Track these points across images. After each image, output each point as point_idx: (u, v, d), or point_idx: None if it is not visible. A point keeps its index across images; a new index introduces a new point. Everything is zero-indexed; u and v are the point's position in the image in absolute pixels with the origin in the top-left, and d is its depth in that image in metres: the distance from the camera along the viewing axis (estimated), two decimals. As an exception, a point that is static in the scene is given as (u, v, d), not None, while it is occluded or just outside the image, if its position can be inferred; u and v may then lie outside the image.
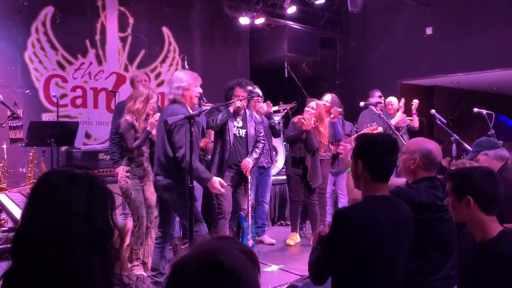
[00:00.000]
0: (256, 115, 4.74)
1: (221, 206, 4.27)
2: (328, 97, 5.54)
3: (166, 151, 3.34)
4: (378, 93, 6.19)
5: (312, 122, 4.89)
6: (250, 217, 4.50)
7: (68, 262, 1.04)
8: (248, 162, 4.30)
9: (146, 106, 3.82)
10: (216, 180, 3.46)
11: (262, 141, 4.53)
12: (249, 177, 4.36)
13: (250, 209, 4.50)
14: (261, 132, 4.55)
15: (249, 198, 4.44)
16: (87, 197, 1.12)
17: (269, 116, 5.00)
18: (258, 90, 4.96)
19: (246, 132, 4.41)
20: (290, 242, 5.22)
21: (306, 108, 5.05)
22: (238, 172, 4.34)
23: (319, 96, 5.68)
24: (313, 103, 5.06)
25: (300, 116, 5.06)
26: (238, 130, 4.40)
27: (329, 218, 5.96)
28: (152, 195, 3.91)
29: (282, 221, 6.19)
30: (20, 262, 1.08)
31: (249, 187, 4.42)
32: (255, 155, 4.41)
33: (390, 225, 1.82)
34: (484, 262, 1.74)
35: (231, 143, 4.32)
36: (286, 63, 8.09)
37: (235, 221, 4.50)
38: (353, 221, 1.78)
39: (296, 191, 5.20)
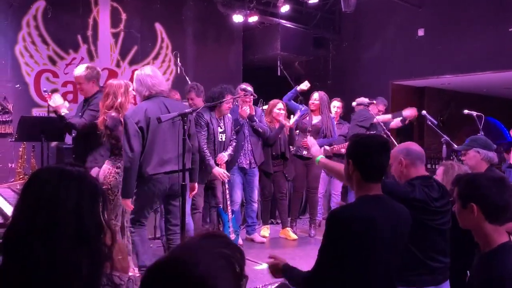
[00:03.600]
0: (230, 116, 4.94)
1: (195, 201, 4.46)
2: (316, 95, 5.61)
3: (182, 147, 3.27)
4: (383, 101, 6.22)
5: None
6: (229, 211, 4.70)
7: (52, 257, 1.04)
8: (223, 156, 4.60)
9: (128, 98, 3.68)
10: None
11: (235, 140, 4.83)
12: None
13: (228, 202, 4.71)
14: (234, 132, 4.85)
15: (226, 192, 4.69)
16: (77, 195, 1.11)
17: (251, 118, 5.04)
18: (250, 89, 5.03)
19: (225, 136, 4.68)
20: (264, 233, 5.48)
21: (275, 110, 5.34)
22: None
23: (310, 95, 5.74)
24: (280, 105, 5.39)
25: (281, 119, 5.31)
26: (221, 136, 4.64)
27: (320, 217, 6.01)
28: None
29: (272, 220, 6.20)
30: (9, 258, 1.08)
31: (226, 181, 4.67)
32: (229, 151, 4.71)
33: (385, 226, 1.82)
34: (483, 273, 1.69)
35: (216, 151, 4.61)
36: (279, 62, 8.09)
37: (211, 215, 4.85)
38: (348, 221, 1.78)
39: (270, 187, 5.48)
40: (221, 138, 4.64)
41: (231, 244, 0.98)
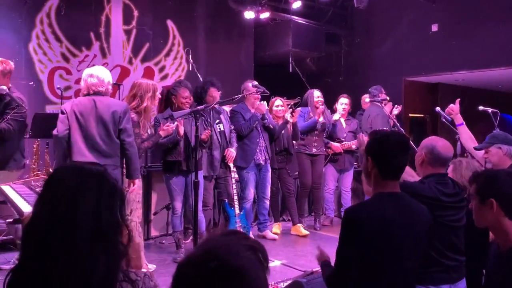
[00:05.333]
0: (226, 109, 5.08)
1: (205, 198, 4.52)
2: (319, 93, 5.70)
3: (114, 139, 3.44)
4: (383, 90, 6.11)
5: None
6: (235, 206, 4.74)
7: (70, 254, 1.06)
8: (232, 152, 4.72)
9: (154, 101, 3.73)
10: None
11: (234, 131, 4.93)
12: (231, 166, 4.77)
13: (235, 197, 4.76)
14: (232, 125, 4.95)
15: (233, 187, 4.75)
16: (97, 193, 1.14)
17: (263, 116, 5.06)
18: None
19: (224, 126, 4.75)
20: (276, 230, 5.54)
21: (274, 108, 5.38)
22: (221, 164, 4.72)
23: (322, 92, 5.73)
24: (278, 101, 5.44)
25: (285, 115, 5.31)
26: (219, 126, 4.73)
27: (331, 214, 6.01)
28: (140, 189, 3.91)
29: (284, 217, 6.20)
30: (28, 253, 1.11)
31: (232, 175, 4.78)
32: (235, 145, 4.82)
33: (402, 223, 1.81)
34: (506, 271, 1.67)
35: (220, 141, 4.69)
36: (290, 58, 8.06)
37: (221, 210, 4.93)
38: (363, 219, 1.77)
39: (276, 184, 5.52)
40: (220, 128, 4.73)
41: (251, 238, 1.00)
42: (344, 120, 6.00)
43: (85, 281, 1.06)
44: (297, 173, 5.72)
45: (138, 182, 3.91)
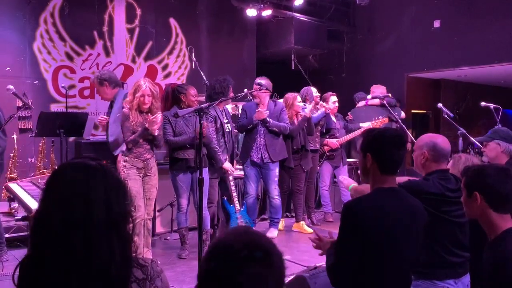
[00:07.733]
0: (228, 107, 5.17)
1: (210, 195, 4.56)
2: (315, 89, 5.87)
3: None
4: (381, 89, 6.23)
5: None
6: (235, 202, 4.73)
7: (90, 244, 1.11)
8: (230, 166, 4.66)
9: (133, 99, 3.87)
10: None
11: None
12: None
13: (234, 194, 4.74)
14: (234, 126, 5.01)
15: (231, 184, 4.72)
16: (105, 187, 1.18)
17: (264, 121, 4.96)
18: (264, 82, 5.01)
19: (230, 126, 4.76)
20: (279, 226, 5.49)
21: (297, 103, 5.32)
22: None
23: (324, 89, 5.75)
24: (299, 97, 5.44)
25: (309, 109, 5.31)
26: (227, 126, 4.71)
27: (329, 210, 6.04)
28: (152, 188, 3.99)
29: (287, 213, 6.22)
30: (39, 248, 1.14)
31: (232, 175, 4.73)
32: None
33: (399, 217, 1.84)
34: (491, 258, 1.71)
35: (226, 142, 4.67)
36: (293, 56, 8.08)
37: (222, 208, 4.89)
38: (362, 213, 1.80)
39: (288, 182, 5.49)
40: (228, 128, 4.73)
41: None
42: (334, 117, 6.06)
43: (104, 272, 1.11)
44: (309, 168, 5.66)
45: (155, 180, 4.03)
